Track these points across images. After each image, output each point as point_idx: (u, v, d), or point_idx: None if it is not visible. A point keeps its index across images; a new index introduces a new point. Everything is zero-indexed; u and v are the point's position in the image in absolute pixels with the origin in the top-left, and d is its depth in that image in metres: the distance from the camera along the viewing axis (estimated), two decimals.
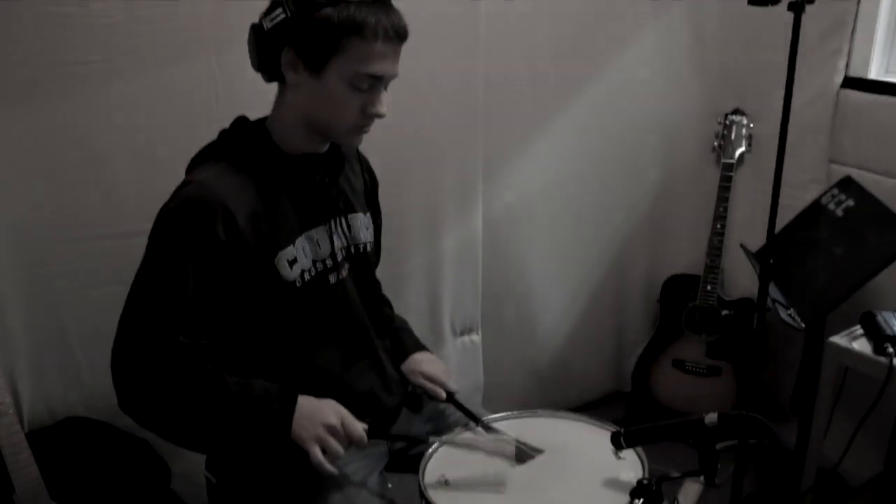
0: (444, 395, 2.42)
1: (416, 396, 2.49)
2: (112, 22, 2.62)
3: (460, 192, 3.48)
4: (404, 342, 2.56)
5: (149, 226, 2.00)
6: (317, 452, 1.99)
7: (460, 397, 2.44)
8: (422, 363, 2.50)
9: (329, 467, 1.99)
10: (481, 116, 3.42)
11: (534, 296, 3.95)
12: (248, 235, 2.01)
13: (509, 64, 3.49)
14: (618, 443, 1.99)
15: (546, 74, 3.61)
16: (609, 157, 3.92)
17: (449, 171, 3.42)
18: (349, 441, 2.05)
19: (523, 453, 2.16)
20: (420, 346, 2.57)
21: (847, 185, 3.25)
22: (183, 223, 1.97)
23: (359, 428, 2.06)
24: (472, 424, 2.31)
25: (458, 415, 2.42)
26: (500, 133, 3.54)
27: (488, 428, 2.31)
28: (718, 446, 1.87)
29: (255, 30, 2.05)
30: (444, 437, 2.25)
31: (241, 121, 2.17)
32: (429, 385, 2.43)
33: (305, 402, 2.06)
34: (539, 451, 2.17)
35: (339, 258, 2.23)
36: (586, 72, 3.74)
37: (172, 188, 2.04)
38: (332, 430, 2.03)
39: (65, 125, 2.65)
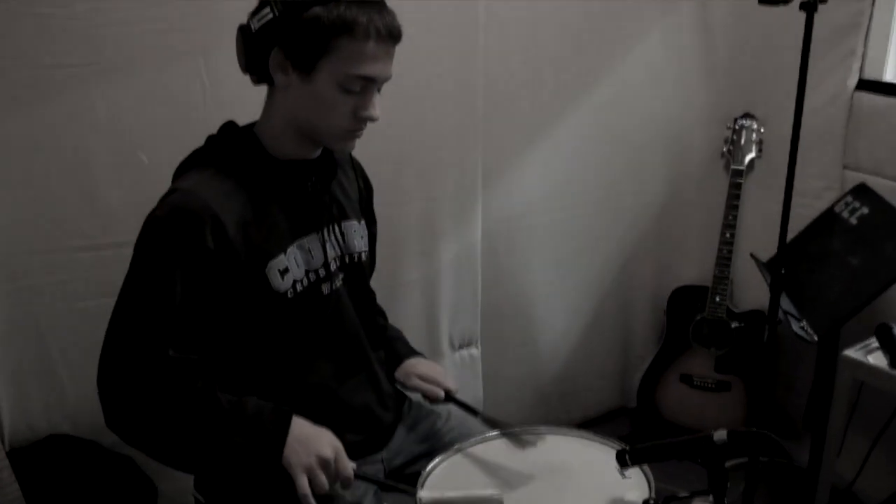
0: (442, 394, 2.41)
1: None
2: (95, 24, 2.61)
3: (459, 199, 3.48)
4: (398, 350, 2.56)
5: (134, 235, 2.00)
6: (304, 483, 1.97)
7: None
8: (416, 365, 2.50)
9: (312, 502, 1.98)
10: (480, 121, 3.42)
11: (535, 308, 3.95)
12: (237, 244, 2.00)
13: (510, 66, 3.48)
14: (623, 461, 1.99)
15: (548, 78, 3.61)
16: (613, 164, 3.92)
17: (447, 178, 3.42)
18: (336, 478, 2.04)
19: (524, 440, 2.17)
20: (414, 353, 2.57)
21: (862, 192, 3.25)
22: (170, 232, 1.96)
23: (349, 468, 2.04)
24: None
25: (455, 433, 2.42)
26: (500, 138, 3.54)
27: (487, 420, 2.32)
28: (728, 465, 1.87)
29: (243, 31, 2.04)
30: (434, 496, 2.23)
31: (229, 126, 2.16)
32: (425, 386, 2.43)
33: (300, 427, 2.04)
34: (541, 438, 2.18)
35: (333, 268, 2.22)
36: (590, 75, 3.74)
37: (159, 196, 2.04)
38: (324, 463, 2.00)
39: (46, 130, 2.64)
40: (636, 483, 2.07)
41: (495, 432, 2.30)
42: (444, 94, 3.30)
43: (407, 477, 2.30)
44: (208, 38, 2.75)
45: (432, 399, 2.44)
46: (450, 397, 2.44)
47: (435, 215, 3.44)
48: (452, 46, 3.26)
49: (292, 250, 2.12)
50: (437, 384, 2.43)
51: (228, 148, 2.12)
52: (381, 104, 2.09)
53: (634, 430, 4.22)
